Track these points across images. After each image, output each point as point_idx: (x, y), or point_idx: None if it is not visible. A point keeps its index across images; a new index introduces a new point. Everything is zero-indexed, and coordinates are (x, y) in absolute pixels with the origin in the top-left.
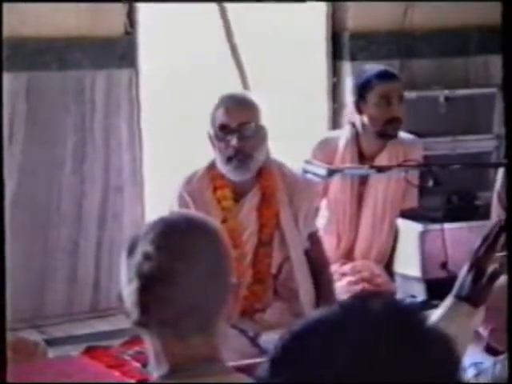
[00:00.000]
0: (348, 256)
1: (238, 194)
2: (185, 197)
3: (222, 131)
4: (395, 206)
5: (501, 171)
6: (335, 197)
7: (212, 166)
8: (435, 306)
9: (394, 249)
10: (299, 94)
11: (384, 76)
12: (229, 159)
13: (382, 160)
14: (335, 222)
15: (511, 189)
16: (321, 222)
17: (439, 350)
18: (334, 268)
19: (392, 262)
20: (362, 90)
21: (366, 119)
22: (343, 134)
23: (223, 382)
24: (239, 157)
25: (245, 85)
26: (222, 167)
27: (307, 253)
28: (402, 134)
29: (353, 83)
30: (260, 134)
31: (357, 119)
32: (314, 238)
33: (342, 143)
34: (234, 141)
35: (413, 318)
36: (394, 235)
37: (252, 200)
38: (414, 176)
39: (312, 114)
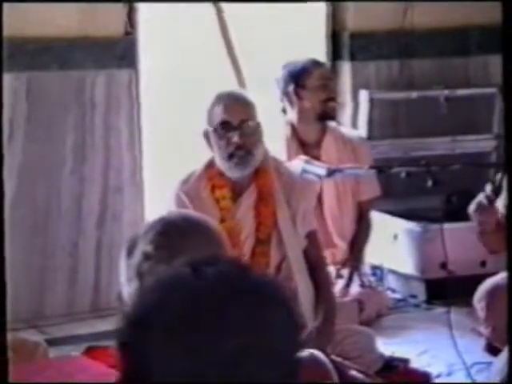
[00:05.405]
0: (326, 245)
1: (236, 193)
2: (182, 196)
3: (223, 128)
4: (353, 192)
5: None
6: None
7: (210, 165)
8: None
9: (366, 241)
10: None
11: (317, 63)
12: (230, 156)
13: (328, 145)
14: None
15: (511, 189)
16: None
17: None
18: None
19: (363, 254)
20: (299, 78)
21: (306, 104)
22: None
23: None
24: (240, 153)
25: (242, 84)
26: (221, 164)
27: (305, 252)
28: (348, 130)
29: (286, 75)
30: (258, 132)
31: (293, 109)
32: (311, 237)
33: (282, 144)
34: (235, 137)
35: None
36: (368, 228)
37: (249, 199)
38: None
39: None
